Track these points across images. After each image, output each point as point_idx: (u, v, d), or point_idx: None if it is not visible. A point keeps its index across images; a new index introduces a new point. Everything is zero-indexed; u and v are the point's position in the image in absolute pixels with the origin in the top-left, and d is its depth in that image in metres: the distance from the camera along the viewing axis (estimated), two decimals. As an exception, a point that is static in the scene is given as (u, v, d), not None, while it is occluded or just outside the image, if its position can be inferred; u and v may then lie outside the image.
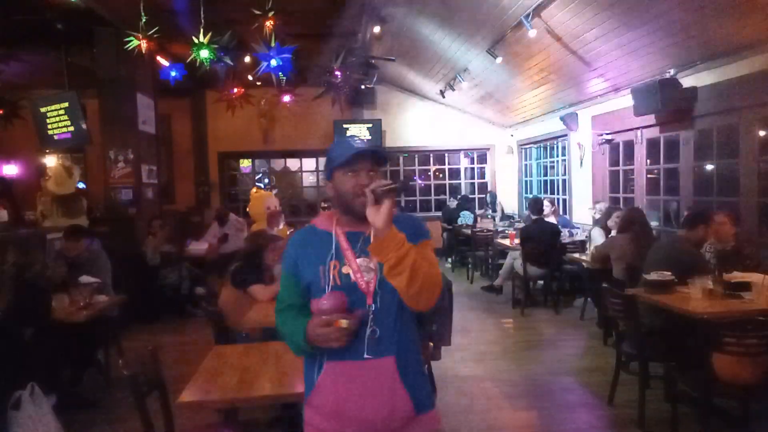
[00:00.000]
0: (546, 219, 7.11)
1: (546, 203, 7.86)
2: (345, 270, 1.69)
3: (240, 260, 4.35)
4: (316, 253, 1.73)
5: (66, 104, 7.01)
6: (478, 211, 10.37)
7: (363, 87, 7.51)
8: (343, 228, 1.75)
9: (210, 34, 5.26)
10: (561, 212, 8.71)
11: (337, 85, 6.64)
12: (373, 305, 1.67)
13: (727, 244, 4.15)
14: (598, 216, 6.53)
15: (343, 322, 1.60)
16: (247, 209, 7.61)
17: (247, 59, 6.06)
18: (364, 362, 1.66)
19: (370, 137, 10.77)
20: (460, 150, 11.89)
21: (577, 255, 6.38)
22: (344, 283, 1.68)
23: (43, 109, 7.12)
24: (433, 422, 1.77)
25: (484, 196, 11.59)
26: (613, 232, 5.53)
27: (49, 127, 7.12)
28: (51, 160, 9.99)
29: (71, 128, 7.05)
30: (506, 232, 8.36)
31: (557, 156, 9.57)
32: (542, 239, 6.55)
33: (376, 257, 1.59)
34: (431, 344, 3.80)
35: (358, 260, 1.70)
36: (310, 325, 1.65)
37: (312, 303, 1.70)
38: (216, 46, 5.30)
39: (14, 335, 3.54)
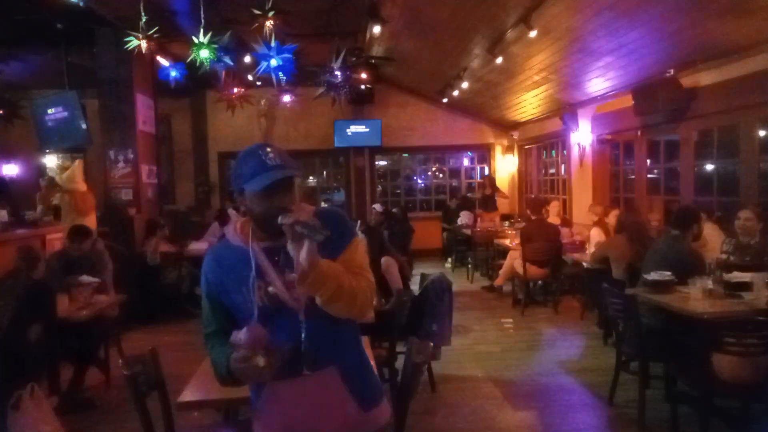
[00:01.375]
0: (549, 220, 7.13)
1: (553, 204, 7.86)
2: (271, 290, 1.56)
3: None
4: (236, 273, 1.59)
5: (66, 104, 7.01)
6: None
7: (363, 87, 7.50)
8: (260, 241, 1.59)
9: (210, 34, 5.26)
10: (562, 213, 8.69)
11: (337, 85, 6.63)
12: (304, 322, 1.57)
13: (751, 239, 4.15)
14: (596, 218, 6.53)
15: (261, 360, 1.45)
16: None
17: (247, 59, 6.05)
18: (305, 378, 1.59)
19: (368, 130, 10.77)
20: (460, 150, 11.89)
21: (577, 255, 6.38)
22: (272, 303, 1.57)
23: (43, 110, 7.12)
24: (382, 416, 1.73)
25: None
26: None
27: (49, 127, 7.12)
28: (52, 160, 10.01)
29: (71, 128, 7.05)
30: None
31: (557, 156, 9.57)
32: (542, 239, 6.55)
33: (309, 293, 1.49)
34: (431, 344, 3.80)
35: (283, 276, 1.56)
36: (231, 358, 1.50)
37: (232, 334, 1.52)
38: (216, 46, 5.29)
39: (22, 333, 3.56)
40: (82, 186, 6.27)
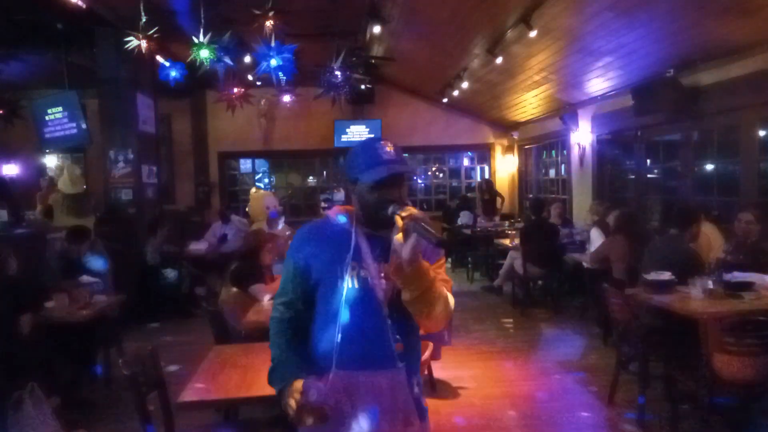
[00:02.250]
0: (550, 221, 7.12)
1: (554, 206, 7.85)
2: (363, 274, 1.63)
3: (238, 260, 4.36)
4: (333, 249, 1.66)
5: (66, 104, 7.00)
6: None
7: (363, 87, 7.50)
8: (362, 229, 1.67)
9: (210, 34, 5.26)
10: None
11: (337, 85, 6.63)
12: (387, 315, 1.62)
13: (750, 239, 4.15)
14: (596, 218, 6.52)
15: (309, 421, 1.52)
16: (247, 209, 7.61)
17: (247, 59, 6.05)
18: (373, 372, 1.62)
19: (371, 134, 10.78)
20: (460, 150, 11.89)
21: (577, 255, 6.38)
22: (361, 287, 1.62)
23: (42, 109, 7.12)
24: (429, 429, 1.76)
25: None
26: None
27: (49, 126, 7.12)
28: (52, 160, 10.01)
29: (71, 128, 7.04)
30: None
31: (557, 156, 9.58)
32: (542, 239, 6.55)
33: (400, 286, 1.55)
34: (431, 344, 3.81)
35: (377, 264, 1.62)
36: (289, 388, 1.55)
37: (303, 384, 1.54)
38: (216, 46, 5.29)
39: (10, 324, 3.55)
40: (78, 188, 6.28)
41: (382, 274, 1.61)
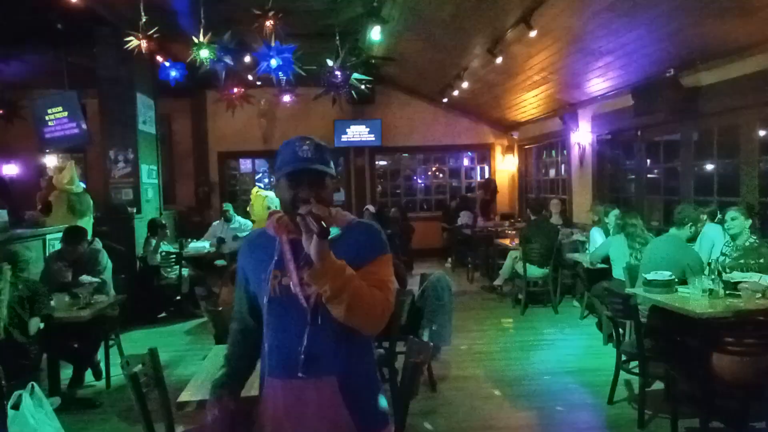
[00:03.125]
0: (551, 219, 7.12)
1: (554, 203, 7.85)
2: (285, 281, 1.58)
3: (236, 259, 4.36)
4: (261, 259, 1.64)
5: (66, 104, 7.01)
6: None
7: (363, 87, 7.50)
8: (290, 234, 1.61)
9: (210, 34, 5.26)
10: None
11: (337, 85, 6.64)
12: (310, 321, 1.56)
13: (745, 239, 4.14)
14: (596, 218, 6.53)
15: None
16: (248, 209, 7.61)
17: (247, 59, 6.06)
18: (301, 382, 1.57)
19: (373, 137, 10.78)
20: (460, 150, 11.89)
21: (577, 255, 6.38)
22: (283, 295, 1.58)
23: (42, 109, 7.12)
24: None
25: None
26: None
27: (49, 126, 7.12)
28: (52, 160, 10.01)
29: (71, 128, 7.05)
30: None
31: (557, 156, 9.58)
32: (542, 239, 6.55)
33: (314, 285, 1.49)
34: (431, 344, 3.80)
35: (300, 272, 1.55)
36: (207, 404, 1.73)
37: (207, 403, 1.73)
38: (216, 46, 5.29)
39: (24, 326, 3.59)
40: (78, 187, 6.27)
41: (304, 280, 1.54)
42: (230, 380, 1.76)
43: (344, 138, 10.69)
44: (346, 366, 1.60)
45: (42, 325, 3.80)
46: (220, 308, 4.09)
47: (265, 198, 7.01)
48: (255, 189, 8.32)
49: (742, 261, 3.91)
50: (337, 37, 6.45)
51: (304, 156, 1.56)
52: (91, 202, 6.41)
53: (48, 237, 5.76)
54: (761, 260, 3.91)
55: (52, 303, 4.19)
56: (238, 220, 8.18)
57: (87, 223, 5.99)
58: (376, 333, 1.63)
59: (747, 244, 4.07)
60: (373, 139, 10.84)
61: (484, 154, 11.87)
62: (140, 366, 2.50)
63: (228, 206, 8.36)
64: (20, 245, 4.81)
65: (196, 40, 5.25)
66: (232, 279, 4.24)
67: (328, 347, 1.57)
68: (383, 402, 1.70)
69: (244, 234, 7.16)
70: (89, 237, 5.16)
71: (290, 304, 1.57)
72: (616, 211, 5.79)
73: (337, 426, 1.57)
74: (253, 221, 7.40)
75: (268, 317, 1.61)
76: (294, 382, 1.58)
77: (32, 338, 3.74)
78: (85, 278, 4.64)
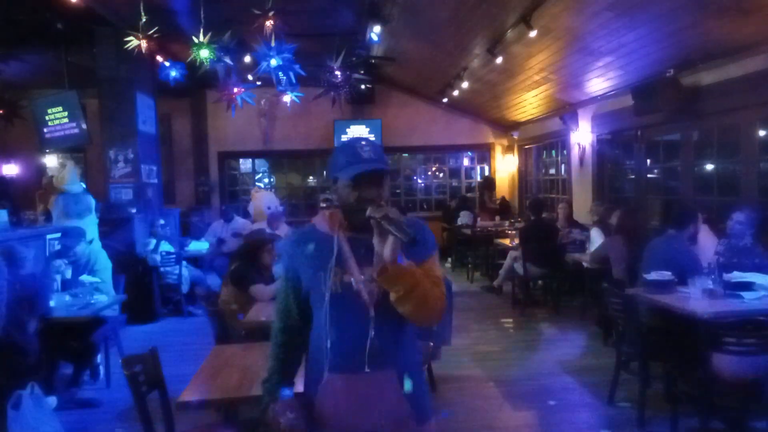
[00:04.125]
0: (557, 223, 7.12)
1: (561, 206, 7.83)
2: (347, 278, 1.63)
3: (236, 259, 4.36)
4: (317, 256, 1.66)
5: (66, 104, 7.01)
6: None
7: (363, 87, 7.51)
8: (345, 232, 1.67)
9: (210, 34, 5.26)
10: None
11: (337, 84, 6.64)
12: (374, 318, 1.62)
13: (743, 241, 4.14)
14: (596, 218, 6.53)
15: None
16: (248, 209, 7.62)
17: (247, 59, 6.05)
18: (366, 375, 1.62)
19: (373, 137, 10.78)
20: (460, 150, 11.89)
21: (577, 255, 6.38)
22: (345, 292, 1.62)
23: (43, 109, 7.12)
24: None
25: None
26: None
27: (49, 126, 7.12)
28: (51, 160, 10.01)
29: (71, 128, 7.05)
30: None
31: (557, 156, 9.57)
32: (542, 239, 6.55)
33: (384, 287, 1.56)
34: (431, 344, 3.81)
35: (361, 268, 1.62)
36: (272, 408, 1.69)
37: (278, 407, 1.69)
38: (216, 46, 5.29)
39: (23, 327, 3.58)
40: (77, 187, 6.27)
41: (366, 277, 1.61)
42: (286, 379, 1.77)
43: (344, 138, 10.68)
44: (403, 359, 1.68)
45: (38, 324, 3.76)
46: (220, 308, 4.10)
47: (265, 198, 7.02)
48: (255, 189, 8.34)
49: (735, 260, 3.91)
50: (337, 37, 6.45)
51: (368, 156, 1.60)
52: (93, 202, 6.41)
53: (48, 237, 5.76)
54: (756, 260, 3.91)
55: (52, 303, 4.19)
56: (238, 220, 8.19)
57: (89, 223, 5.98)
58: (433, 324, 1.74)
59: (741, 244, 4.07)
60: (373, 139, 10.84)
61: (484, 154, 11.87)
62: (140, 366, 2.50)
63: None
64: (18, 243, 4.78)
65: (196, 40, 5.25)
66: (232, 279, 4.27)
67: (389, 341, 1.64)
68: (428, 394, 1.80)
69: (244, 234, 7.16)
70: (91, 237, 5.16)
71: (351, 300, 1.62)
72: (617, 212, 5.78)
73: (399, 418, 1.65)
74: (254, 221, 7.40)
75: (331, 313, 1.63)
76: (359, 376, 1.63)
77: (31, 337, 3.73)
78: (85, 278, 4.64)
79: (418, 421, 1.68)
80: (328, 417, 1.66)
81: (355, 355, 1.61)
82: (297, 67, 5.45)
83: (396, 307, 1.57)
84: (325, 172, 11.90)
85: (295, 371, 1.82)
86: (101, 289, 4.64)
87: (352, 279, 1.62)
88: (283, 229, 6.47)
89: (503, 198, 11.15)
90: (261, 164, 11.93)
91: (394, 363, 1.65)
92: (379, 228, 1.51)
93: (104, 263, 4.97)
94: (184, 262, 7.06)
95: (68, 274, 4.67)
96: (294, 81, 5.71)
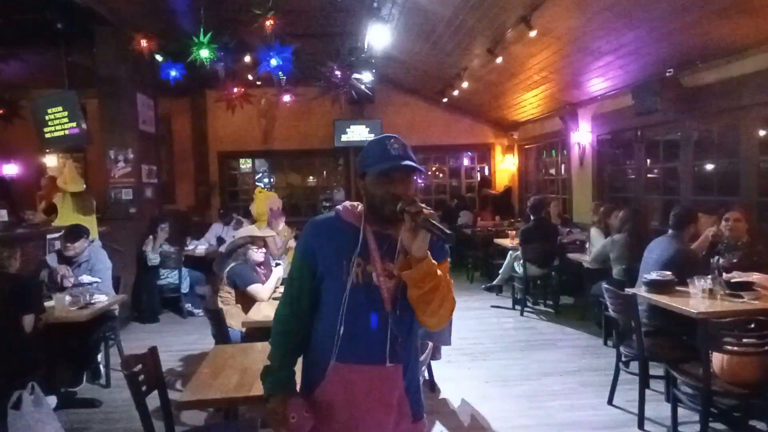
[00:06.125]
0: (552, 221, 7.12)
1: (553, 204, 7.85)
2: (369, 270, 1.64)
3: (228, 260, 4.37)
4: (341, 244, 1.65)
5: (66, 104, 7.00)
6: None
7: (363, 86, 7.51)
8: (371, 226, 1.68)
9: (210, 34, 5.27)
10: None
11: (337, 84, 6.64)
12: (390, 312, 1.63)
13: (740, 240, 4.14)
14: (596, 218, 6.53)
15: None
16: (250, 208, 7.61)
17: (247, 59, 6.06)
18: (370, 367, 1.63)
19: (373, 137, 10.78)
20: (460, 150, 11.89)
21: (577, 255, 6.38)
22: (365, 283, 1.63)
23: (43, 109, 7.12)
24: (423, 429, 1.78)
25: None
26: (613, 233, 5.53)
27: (49, 126, 7.11)
28: (51, 160, 10.01)
29: (71, 128, 7.04)
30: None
31: (557, 156, 9.57)
32: (542, 239, 6.55)
33: (409, 282, 1.57)
34: (431, 344, 3.80)
35: (383, 262, 1.64)
36: (275, 398, 1.67)
37: (289, 406, 1.63)
38: (216, 46, 5.30)
39: (17, 325, 3.56)
40: (79, 186, 6.27)
41: (388, 272, 1.63)
42: (290, 372, 1.76)
43: (344, 138, 10.68)
44: (408, 355, 1.70)
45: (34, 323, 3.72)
46: (220, 308, 4.10)
47: (267, 198, 7.01)
48: (258, 189, 8.34)
49: (735, 261, 3.90)
50: (337, 37, 6.46)
51: (397, 153, 1.64)
52: (94, 202, 6.41)
53: (48, 237, 5.75)
54: (755, 258, 3.91)
55: (52, 303, 4.19)
56: (240, 219, 8.19)
57: (90, 222, 5.99)
58: (440, 329, 1.74)
59: (740, 243, 4.07)
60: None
61: (484, 153, 11.87)
62: (140, 366, 2.50)
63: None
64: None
65: (196, 40, 5.26)
66: (229, 279, 4.26)
67: (401, 336, 1.65)
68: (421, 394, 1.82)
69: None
70: (92, 237, 5.15)
71: (370, 293, 1.63)
72: (619, 212, 5.78)
73: (399, 411, 1.67)
74: (255, 221, 7.39)
75: (349, 303, 1.63)
76: (364, 367, 1.64)
77: (29, 336, 3.70)
78: (85, 278, 4.64)
79: (414, 417, 1.71)
80: (329, 406, 1.66)
81: (365, 346, 1.63)
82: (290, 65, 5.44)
83: (414, 304, 1.59)
84: (325, 172, 11.93)
85: (296, 361, 1.80)
86: (101, 289, 4.64)
87: (373, 272, 1.63)
88: (283, 229, 6.46)
89: (508, 188, 11.14)
90: (261, 164, 11.93)
91: (402, 358, 1.67)
92: (414, 223, 1.51)
93: (104, 263, 4.98)
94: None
95: (68, 274, 4.66)
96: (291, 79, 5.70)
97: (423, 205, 1.56)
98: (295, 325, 1.75)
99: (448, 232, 1.48)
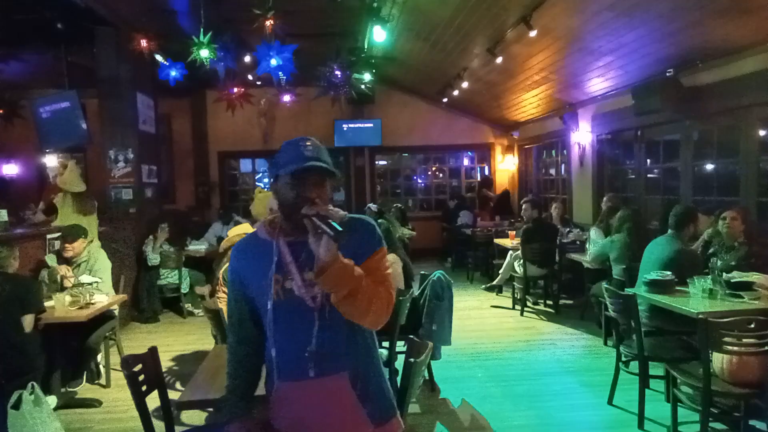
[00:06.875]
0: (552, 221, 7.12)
1: (556, 206, 7.83)
2: (288, 285, 1.58)
3: (219, 257, 4.39)
4: (258, 265, 1.61)
5: (66, 104, 7.00)
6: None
7: (363, 86, 7.51)
8: (286, 237, 1.62)
9: (210, 34, 5.26)
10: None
11: (337, 84, 6.64)
12: (317, 322, 1.57)
13: (736, 240, 4.14)
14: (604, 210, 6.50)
15: None
16: (250, 208, 7.61)
17: (247, 59, 6.05)
18: (313, 381, 1.58)
19: (372, 137, 10.79)
20: (460, 150, 11.89)
21: (577, 255, 6.38)
22: (287, 298, 1.58)
23: (42, 109, 7.12)
24: (394, 430, 1.71)
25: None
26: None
27: (49, 127, 7.11)
28: (52, 160, 10.01)
29: (71, 128, 7.04)
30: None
31: (557, 156, 9.57)
32: (542, 239, 6.55)
33: (326, 288, 1.49)
34: (431, 344, 3.80)
35: (303, 274, 1.58)
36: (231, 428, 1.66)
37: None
38: (216, 46, 5.30)
39: (17, 325, 3.56)
40: (79, 187, 6.27)
41: (309, 281, 1.56)
42: (242, 399, 1.73)
43: (344, 138, 10.69)
44: (355, 361, 1.63)
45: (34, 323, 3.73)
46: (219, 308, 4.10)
47: (267, 198, 7.02)
48: (258, 189, 8.33)
49: (734, 263, 3.90)
50: (337, 37, 6.45)
51: (309, 155, 1.56)
52: (95, 202, 6.41)
53: (48, 237, 5.75)
54: (752, 259, 3.92)
55: (52, 303, 4.19)
56: (238, 220, 8.19)
57: (90, 223, 5.98)
58: (380, 326, 1.63)
59: (736, 244, 4.07)
60: (373, 139, 10.84)
61: (484, 153, 11.87)
62: (140, 366, 2.50)
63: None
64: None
65: (196, 40, 5.25)
66: (223, 279, 4.26)
67: (337, 345, 1.60)
68: (390, 392, 1.75)
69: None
70: (93, 237, 5.15)
71: (296, 306, 1.58)
72: (619, 212, 5.78)
73: (353, 421, 1.61)
74: (255, 221, 7.39)
75: (275, 322, 1.60)
76: (307, 383, 1.59)
77: (29, 336, 3.71)
78: (85, 278, 4.64)
79: (375, 422, 1.64)
80: (280, 426, 1.64)
81: (301, 361, 1.57)
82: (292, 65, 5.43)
83: (340, 309, 1.51)
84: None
85: (253, 385, 1.77)
86: (101, 289, 4.64)
87: (293, 285, 1.58)
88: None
89: (506, 191, 11.16)
90: (261, 164, 11.93)
91: (346, 366, 1.61)
92: (312, 226, 1.45)
93: (104, 263, 4.98)
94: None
95: (68, 273, 4.66)
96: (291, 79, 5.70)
97: (322, 206, 1.49)
98: (244, 352, 1.73)
99: (333, 230, 1.40)
